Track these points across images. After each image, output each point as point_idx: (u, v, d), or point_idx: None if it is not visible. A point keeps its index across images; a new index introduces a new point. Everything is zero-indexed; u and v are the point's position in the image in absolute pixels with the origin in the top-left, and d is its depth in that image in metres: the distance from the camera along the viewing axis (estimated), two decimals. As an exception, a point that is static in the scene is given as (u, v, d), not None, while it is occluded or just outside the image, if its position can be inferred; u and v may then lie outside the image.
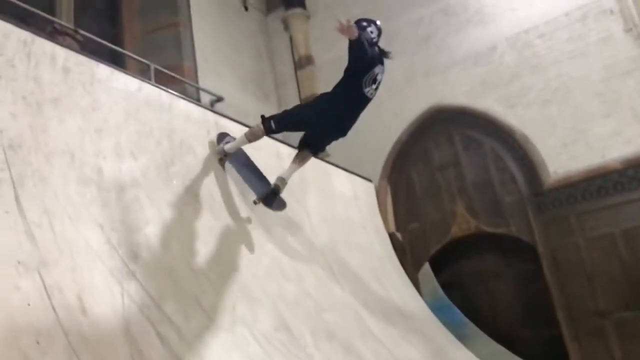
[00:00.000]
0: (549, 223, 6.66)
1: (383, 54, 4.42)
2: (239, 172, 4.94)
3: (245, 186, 4.92)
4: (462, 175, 7.43)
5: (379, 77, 4.40)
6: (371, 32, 4.33)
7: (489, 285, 7.19)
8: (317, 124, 4.57)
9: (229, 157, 4.85)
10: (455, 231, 7.33)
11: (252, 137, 4.67)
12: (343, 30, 3.80)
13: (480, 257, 7.31)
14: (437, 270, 7.45)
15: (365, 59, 4.14)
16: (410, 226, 7.68)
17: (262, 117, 4.63)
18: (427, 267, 7.44)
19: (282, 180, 4.66)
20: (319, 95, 4.81)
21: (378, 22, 4.41)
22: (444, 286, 7.28)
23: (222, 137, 4.87)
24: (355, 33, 3.83)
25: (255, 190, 4.84)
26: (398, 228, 7.72)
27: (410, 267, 7.39)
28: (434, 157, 7.70)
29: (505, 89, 7.20)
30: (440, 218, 7.47)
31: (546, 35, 7.01)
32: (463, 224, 7.28)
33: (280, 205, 4.88)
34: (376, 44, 4.39)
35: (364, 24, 4.31)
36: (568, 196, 6.60)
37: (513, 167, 7.07)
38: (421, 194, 7.72)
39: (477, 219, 7.20)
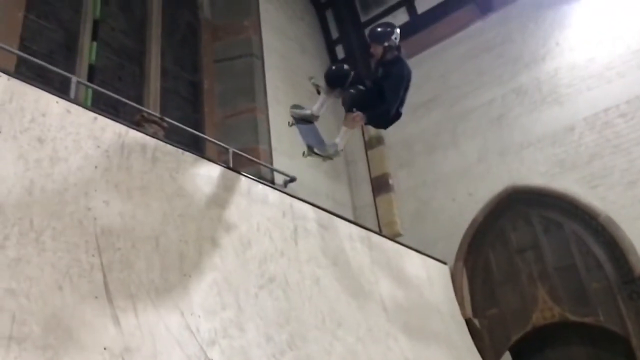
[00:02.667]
0: (644, 314, 6.17)
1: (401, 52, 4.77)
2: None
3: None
4: (542, 259, 7.05)
5: None
6: (395, 39, 4.66)
7: (577, 380, 6.65)
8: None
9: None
10: (538, 318, 6.87)
11: (352, 127, 5.04)
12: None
13: (567, 348, 6.77)
14: (518, 360, 7.00)
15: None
16: (488, 312, 7.33)
17: (347, 105, 4.86)
18: (507, 357, 6.99)
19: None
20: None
21: (397, 29, 4.74)
22: (527, 378, 6.80)
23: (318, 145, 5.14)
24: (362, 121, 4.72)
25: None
26: (475, 314, 7.35)
27: (490, 356, 6.94)
28: (512, 239, 7.40)
29: (585, 169, 6.95)
30: (521, 304, 7.05)
31: (628, 114, 6.79)
32: (546, 311, 6.83)
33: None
34: (398, 47, 4.73)
35: (388, 29, 4.72)
36: (664, 285, 6.13)
37: (598, 251, 6.65)
38: (499, 278, 7.37)
39: (561, 306, 6.74)
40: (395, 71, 4.65)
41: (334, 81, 4.93)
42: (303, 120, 5.17)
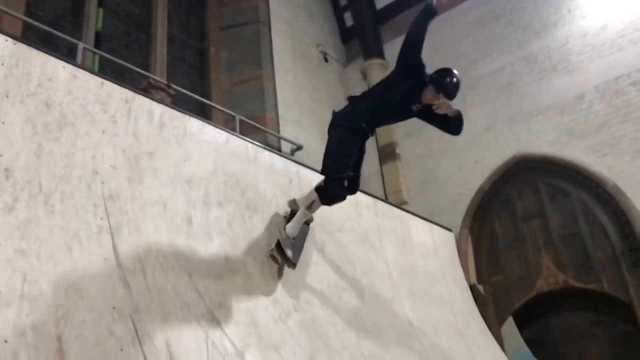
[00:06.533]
0: (647, 281, 6.22)
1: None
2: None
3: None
4: (548, 227, 7.12)
5: None
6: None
7: (579, 345, 6.74)
8: None
9: None
10: (542, 285, 6.97)
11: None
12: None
13: (570, 314, 6.90)
14: (521, 325, 7.09)
15: None
16: (493, 278, 7.41)
17: None
18: (510, 322, 7.09)
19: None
20: None
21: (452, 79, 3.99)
22: (530, 343, 6.89)
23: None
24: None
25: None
26: (480, 280, 7.46)
27: (493, 321, 7.08)
28: (518, 207, 7.44)
29: (594, 138, 6.92)
30: (525, 271, 7.16)
31: (639, 82, 6.71)
32: (550, 277, 6.92)
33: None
34: None
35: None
36: (668, 252, 6.16)
37: (604, 219, 6.69)
38: (504, 245, 7.46)
39: (565, 273, 6.83)
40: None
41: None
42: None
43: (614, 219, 6.62)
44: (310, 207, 4.19)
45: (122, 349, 2.73)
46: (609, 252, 6.59)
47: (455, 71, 4.00)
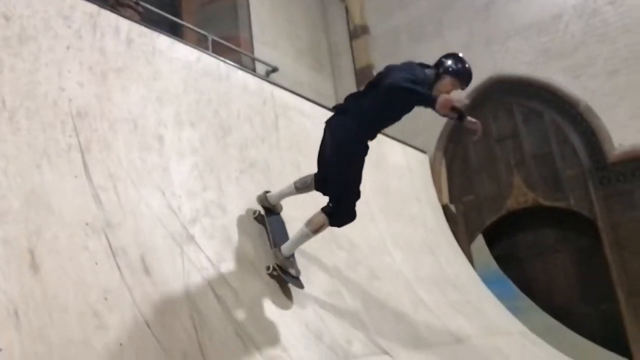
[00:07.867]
0: (611, 198, 6.43)
1: None
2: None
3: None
4: (520, 148, 7.25)
5: None
6: None
7: (545, 260, 7.06)
8: None
9: None
10: (512, 204, 7.20)
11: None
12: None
13: (537, 231, 7.17)
14: (491, 243, 7.37)
15: None
16: (465, 198, 7.60)
17: None
18: (480, 240, 7.36)
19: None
20: None
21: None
22: (498, 259, 7.20)
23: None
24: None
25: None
26: (452, 200, 7.65)
27: (464, 239, 7.34)
28: (492, 128, 7.51)
29: (569, 58, 6.91)
30: (496, 190, 7.35)
31: (617, 1, 6.64)
32: (520, 196, 7.13)
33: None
34: None
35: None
36: (634, 170, 6.34)
37: (575, 139, 6.83)
38: (477, 166, 7.61)
39: (534, 192, 7.04)
40: None
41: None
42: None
43: (584, 139, 6.75)
44: (318, 231, 3.77)
45: (96, 263, 2.78)
46: (577, 172, 6.77)
47: (461, 54, 3.85)
